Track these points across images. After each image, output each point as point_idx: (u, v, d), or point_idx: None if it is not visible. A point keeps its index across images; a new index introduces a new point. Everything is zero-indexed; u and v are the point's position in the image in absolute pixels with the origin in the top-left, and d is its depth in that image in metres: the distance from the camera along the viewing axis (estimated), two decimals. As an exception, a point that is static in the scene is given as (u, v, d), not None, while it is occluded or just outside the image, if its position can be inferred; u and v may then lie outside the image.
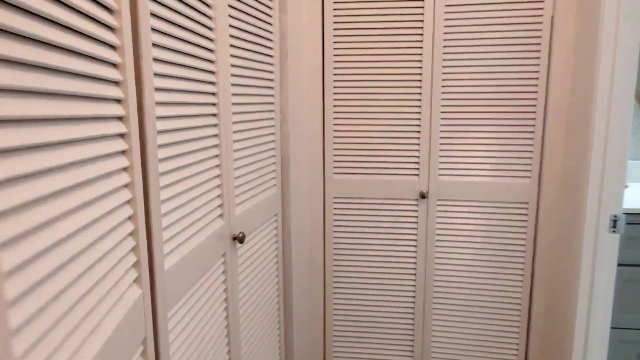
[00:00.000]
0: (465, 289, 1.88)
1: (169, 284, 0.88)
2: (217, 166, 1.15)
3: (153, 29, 0.84)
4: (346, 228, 1.92)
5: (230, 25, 1.20)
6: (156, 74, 0.85)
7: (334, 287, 1.97)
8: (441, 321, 1.92)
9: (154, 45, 0.85)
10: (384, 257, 1.92)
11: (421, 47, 1.77)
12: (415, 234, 1.88)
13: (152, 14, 0.83)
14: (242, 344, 1.34)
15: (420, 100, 1.80)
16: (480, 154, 1.80)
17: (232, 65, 1.22)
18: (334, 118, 1.86)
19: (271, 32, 1.50)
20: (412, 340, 1.95)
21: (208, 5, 1.07)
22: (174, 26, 0.92)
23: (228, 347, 1.24)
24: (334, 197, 1.91)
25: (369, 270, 1.94)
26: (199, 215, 1.05)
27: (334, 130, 1.87)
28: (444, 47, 1.75)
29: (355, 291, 1.96)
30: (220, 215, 1.18)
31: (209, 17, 1.08)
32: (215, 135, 1.14)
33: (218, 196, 1.17)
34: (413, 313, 1.93)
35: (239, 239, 1.25)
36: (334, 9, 1.79)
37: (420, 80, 1.79)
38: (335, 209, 1.92)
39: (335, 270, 1.96)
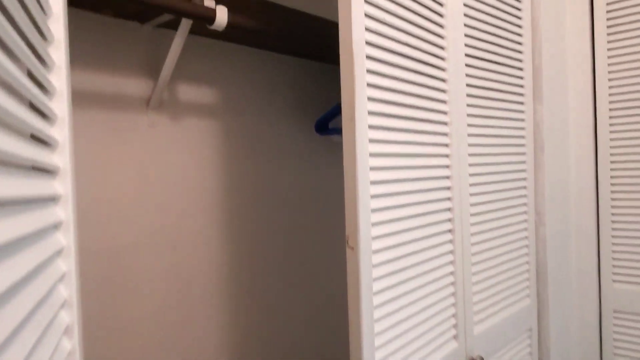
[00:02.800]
0: None
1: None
2: (451, 284, 1.10)
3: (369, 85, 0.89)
4: (632, 352, 1.51)
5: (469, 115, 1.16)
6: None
7: None
8: None
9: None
10: (695, 403, 1.41)
11: None
12: None
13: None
14: None
15: None
16: None
17: (471, 175, 1.17)
18: (612, 214, 1.53)
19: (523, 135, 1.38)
20: None
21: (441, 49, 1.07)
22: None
23: None
24: (614, 312, 1.54)
25: (670, 416, 1.45)
26: (428, 338, 1.01)
27: (612, 229, 1.54)
28: None
29: None
30: (454, 337, 1.11)
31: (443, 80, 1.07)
32: (451, 252, 1.10)
33: (453, 315, 1.11)
34: None
35: (477, 363, 1.14)
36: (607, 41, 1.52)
37: None
38: (615, 325, 1.54)
39: (616, 405, 1.55)
